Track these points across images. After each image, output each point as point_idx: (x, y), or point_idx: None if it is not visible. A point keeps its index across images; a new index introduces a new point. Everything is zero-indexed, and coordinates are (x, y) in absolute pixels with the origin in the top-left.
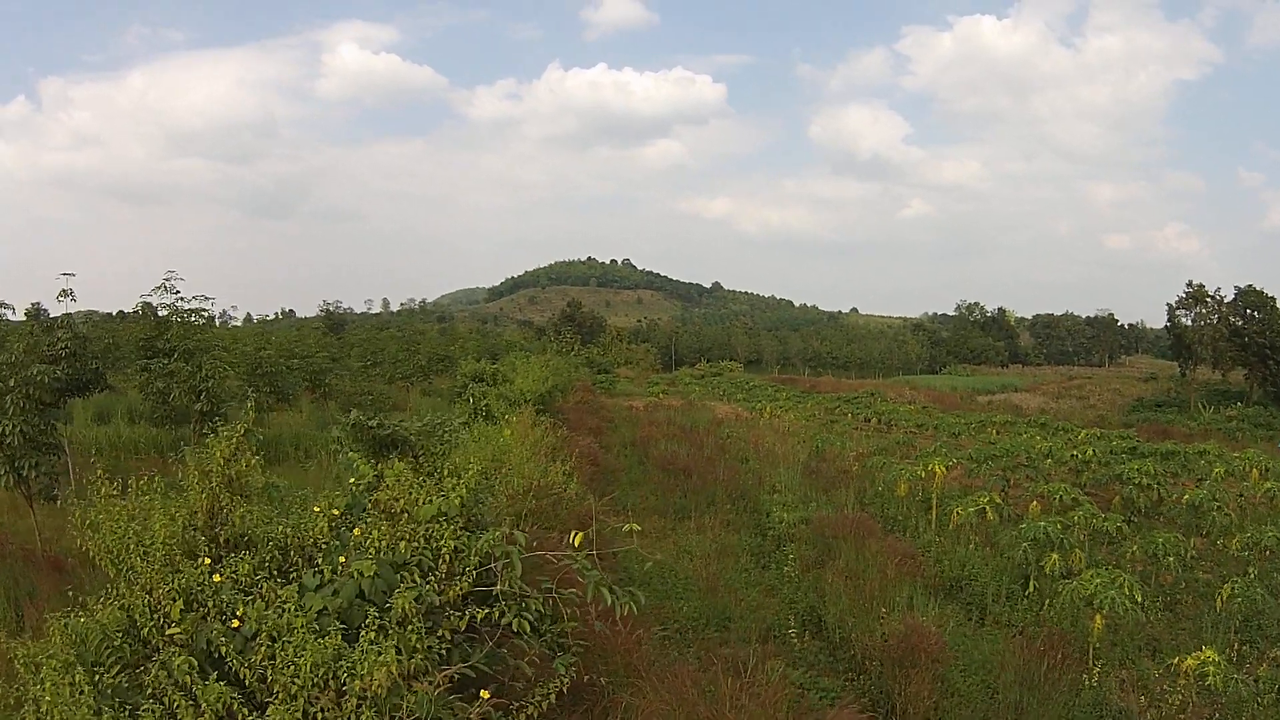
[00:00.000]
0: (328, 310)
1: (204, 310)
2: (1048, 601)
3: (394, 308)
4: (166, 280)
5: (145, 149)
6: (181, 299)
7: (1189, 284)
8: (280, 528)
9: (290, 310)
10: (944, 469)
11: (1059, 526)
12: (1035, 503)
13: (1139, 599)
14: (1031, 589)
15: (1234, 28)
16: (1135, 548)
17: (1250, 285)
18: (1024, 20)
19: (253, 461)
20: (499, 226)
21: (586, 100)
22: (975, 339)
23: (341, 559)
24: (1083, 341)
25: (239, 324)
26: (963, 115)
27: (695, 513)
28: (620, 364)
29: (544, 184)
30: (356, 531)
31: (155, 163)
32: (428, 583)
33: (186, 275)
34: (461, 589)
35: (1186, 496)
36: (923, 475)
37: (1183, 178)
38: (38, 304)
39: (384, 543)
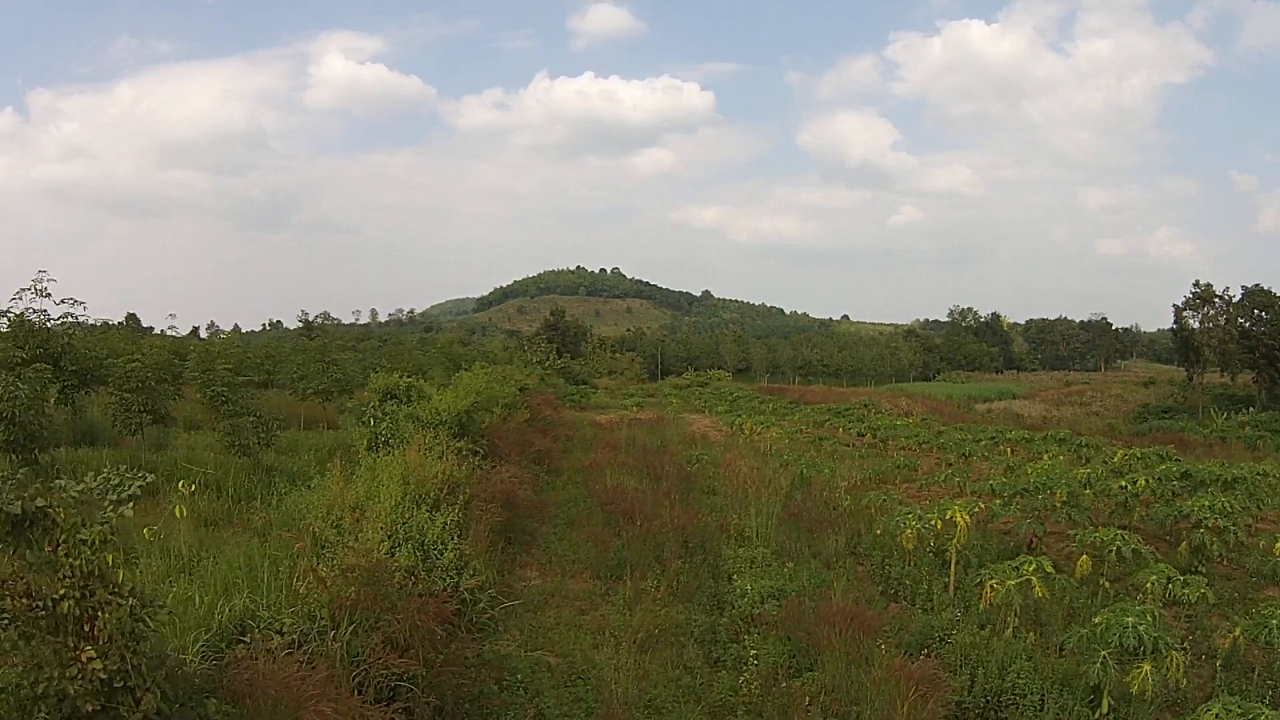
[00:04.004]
0: (306, 321)
1: (72, 315)
2: None
3: (382, 318)
4: (35, 282)
5: (137, 161)
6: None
7: (1196, 284)
8: None
9: (278, 321)
10: (967, 518)
11: (1151, 621)
12: (1084, 556)
13: None
14: (1105, 711)
15: (1224, 30)
16: (1239, 633)
17: (1258, 285)
18: (1013, 25)
19: None
20: (492, 237)
21: (575, 109)
22: (969, 345)
23: None
24: (1077, 346)
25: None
26: (954, 121)
27: (635, 572)
28: (603, 374)
29: (536, 194)
30: None
31: (147, 175)
32: None
33: (180, 289)
34: None
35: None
36: (938, 525)
37: (1175, 181)
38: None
39: None
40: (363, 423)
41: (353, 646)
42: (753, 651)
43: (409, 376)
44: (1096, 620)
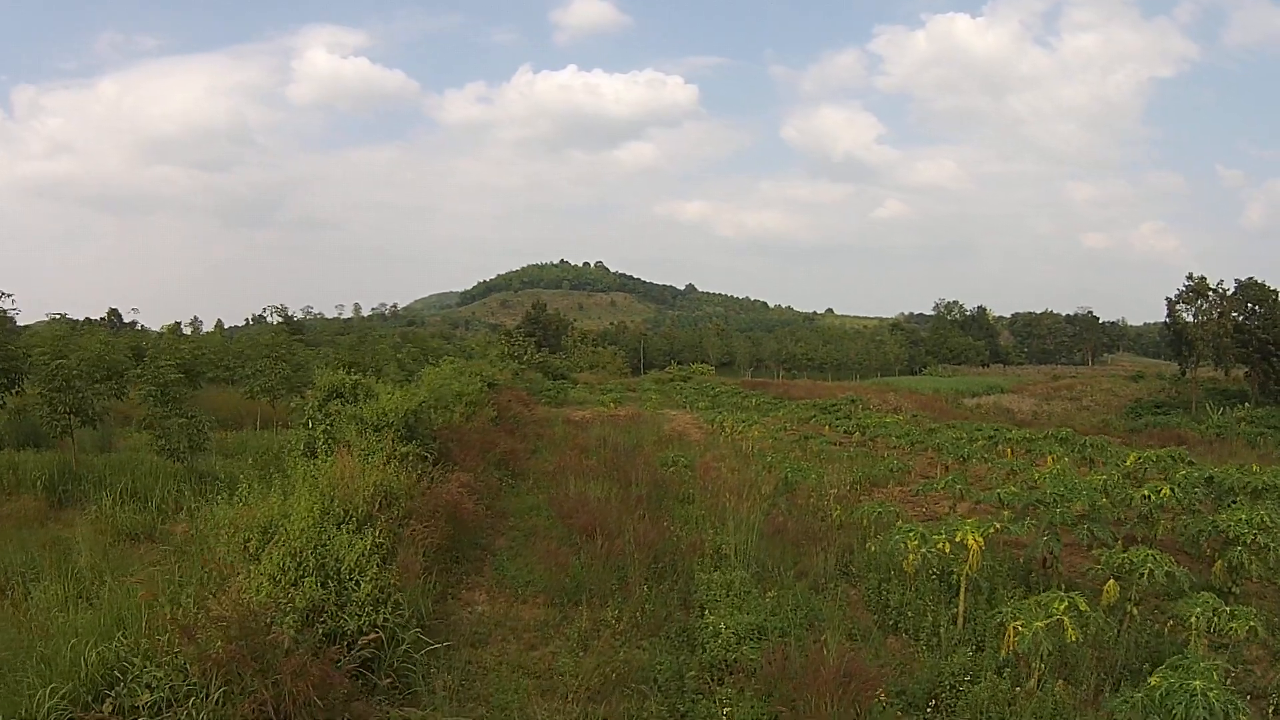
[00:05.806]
0: (286, 315)
1: None
2: None
3: (365, 313)
4: None
5: (123, 157)
6: None
7: (1189, 277)
8: None
9: (260, 316)
10: (980, 540)
11: (1216, 680)
12: (1111, 581)
13: None
14: None
15: (1211, 25)
16: None
17: (1251, 278)
18: (999, 19)
19: None
20: (477, 232)
21: (558, 103)
22: (955, 338)
23: None
24: (1063, 340)
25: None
26: (939, 115)
27: (594, 599)
28: (584, 368)
29: (520, 189)
30: None
31: (134, 171)
32: None
33: (174, 286)
34: None
35: None
36: (945, 548)
37: (1161, 176)
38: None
39: None
40: (301, 425)
41: (223, 712)
42: (726, 710)
43: (357, 373)
44: (1153, 682)
